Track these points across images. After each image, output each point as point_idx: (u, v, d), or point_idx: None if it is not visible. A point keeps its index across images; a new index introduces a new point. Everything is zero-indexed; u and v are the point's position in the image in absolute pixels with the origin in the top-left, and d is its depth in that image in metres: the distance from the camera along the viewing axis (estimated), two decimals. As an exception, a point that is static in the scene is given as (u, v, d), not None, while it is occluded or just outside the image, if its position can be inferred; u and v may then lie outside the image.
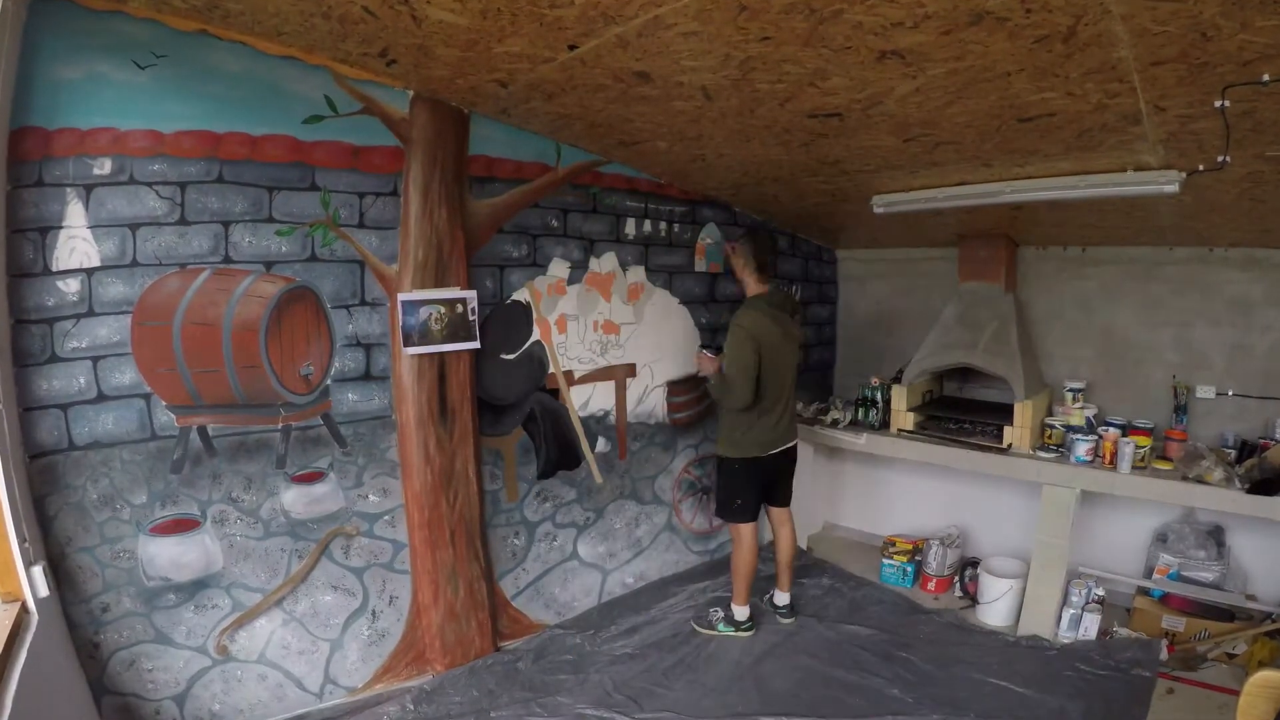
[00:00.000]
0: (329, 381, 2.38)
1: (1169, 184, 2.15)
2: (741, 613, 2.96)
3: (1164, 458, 2.89)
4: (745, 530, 2.91)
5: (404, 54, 2.04)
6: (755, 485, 2.91)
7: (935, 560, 3.45)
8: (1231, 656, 2.70)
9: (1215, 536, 2.94)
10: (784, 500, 3.10)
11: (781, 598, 3.13)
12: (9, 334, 1.83)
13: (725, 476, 2.94)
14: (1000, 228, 3.28)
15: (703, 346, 3.06)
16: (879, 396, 3.60)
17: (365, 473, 2.48)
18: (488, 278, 2.71)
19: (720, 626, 2.97)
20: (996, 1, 1.41)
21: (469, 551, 2.67)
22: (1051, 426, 3.10)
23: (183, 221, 2.06)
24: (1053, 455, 3.02)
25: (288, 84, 2.15)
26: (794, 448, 3.04)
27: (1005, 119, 2.01)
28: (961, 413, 3.50)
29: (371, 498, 2.50)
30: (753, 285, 2.85)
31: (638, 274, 3.22)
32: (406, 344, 2.45)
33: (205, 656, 2.21)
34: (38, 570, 1.75)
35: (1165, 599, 2.91)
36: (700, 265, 3.49)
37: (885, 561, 3.59)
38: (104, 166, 1.92)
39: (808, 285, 4.13)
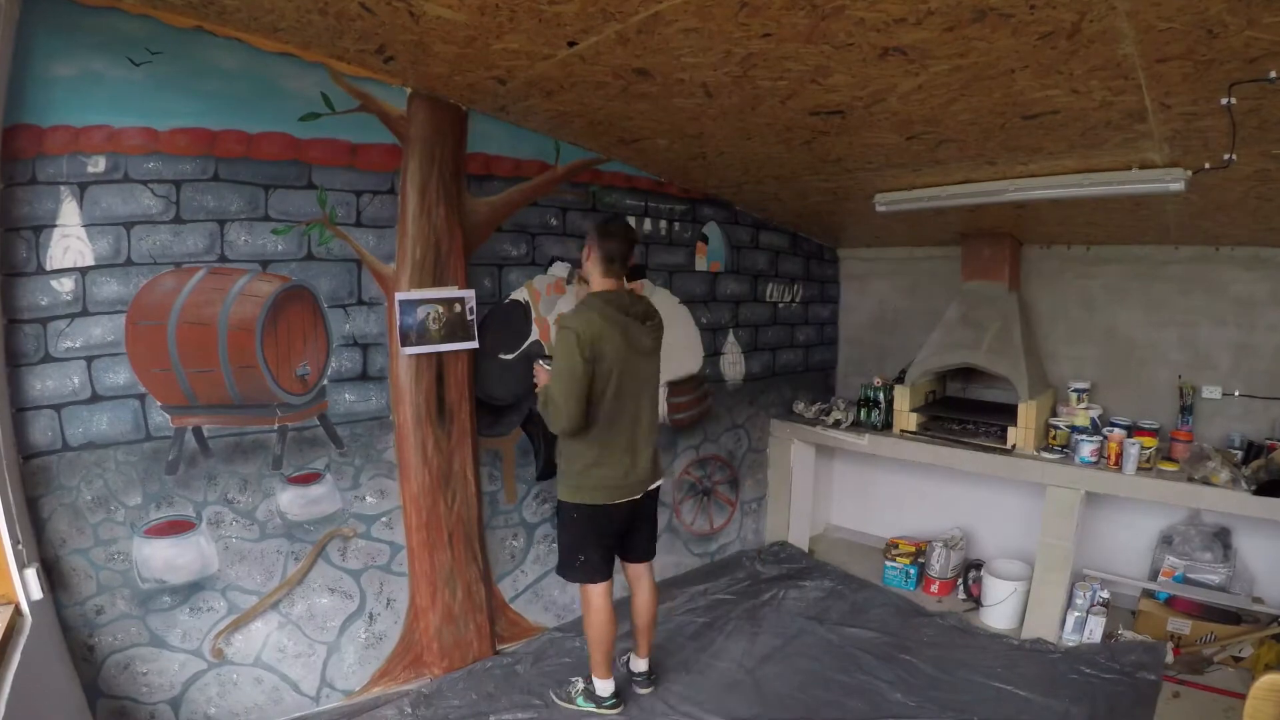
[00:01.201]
0: (325, 382, 2.37)
1: (1174, 182, 2.14)
2: (604, 687, 2.45)
3: (1169, 459, 2.89)
4: (593, 592, 2.37)
5: (401, 50, 2.04)
6: (601, 538, 2.35)
7: (938, 562, 3.45)
8: (1238, 660, 2.70)
9: (1221, 538, 2.93)
10: (642, 554, 2.52)
11: (638, 664, 2.60)
12: (2, 334, 1.83)
13: (563, 526, 2.40)
14: (1004, 226, 3.28)
15: (545, 358, 2.41)
16: (881, 397, 3.60)
17: (362, 474, 2.47)
18: (486, 277, 2.71)
19: (579, 701, 2.48)
20: (1000, -3, 1.41)
21: (467, 553, 2.67)
22: (1056, 427, 3.10)
23: (178, 220, 2.05)
24: (1057, 456, 3.01)
25: (284, 81, 2.15)
26: (655, 490, 2.48)
27: (1009, 116, 2.01)
28: (965, 413, 3.50)
29: (369, 499, 2.50)
30: (596, 281, 2.31)
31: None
32: (404, 344, 2.44)
33: (201, 659, 2.20)
34: (31, 573, 1.75)
35: (1171, 601, 2.91)
36: (701, 264, 3.49)
37: (888, 564, 3.59)
38: (98, 164, 1.92)
39: (809, 284, 4.14)
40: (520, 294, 2.83)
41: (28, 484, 1.89)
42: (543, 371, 2.35)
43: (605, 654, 2.43)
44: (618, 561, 2.47)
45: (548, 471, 3.00)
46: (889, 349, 4.09)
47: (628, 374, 2.25)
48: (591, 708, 2.48)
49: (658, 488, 2.50)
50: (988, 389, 3.65)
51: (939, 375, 3.65)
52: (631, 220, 3.17)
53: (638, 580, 2.54)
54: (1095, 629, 2.88)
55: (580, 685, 2.52)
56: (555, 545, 3.04)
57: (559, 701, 2.52)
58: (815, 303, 4.21)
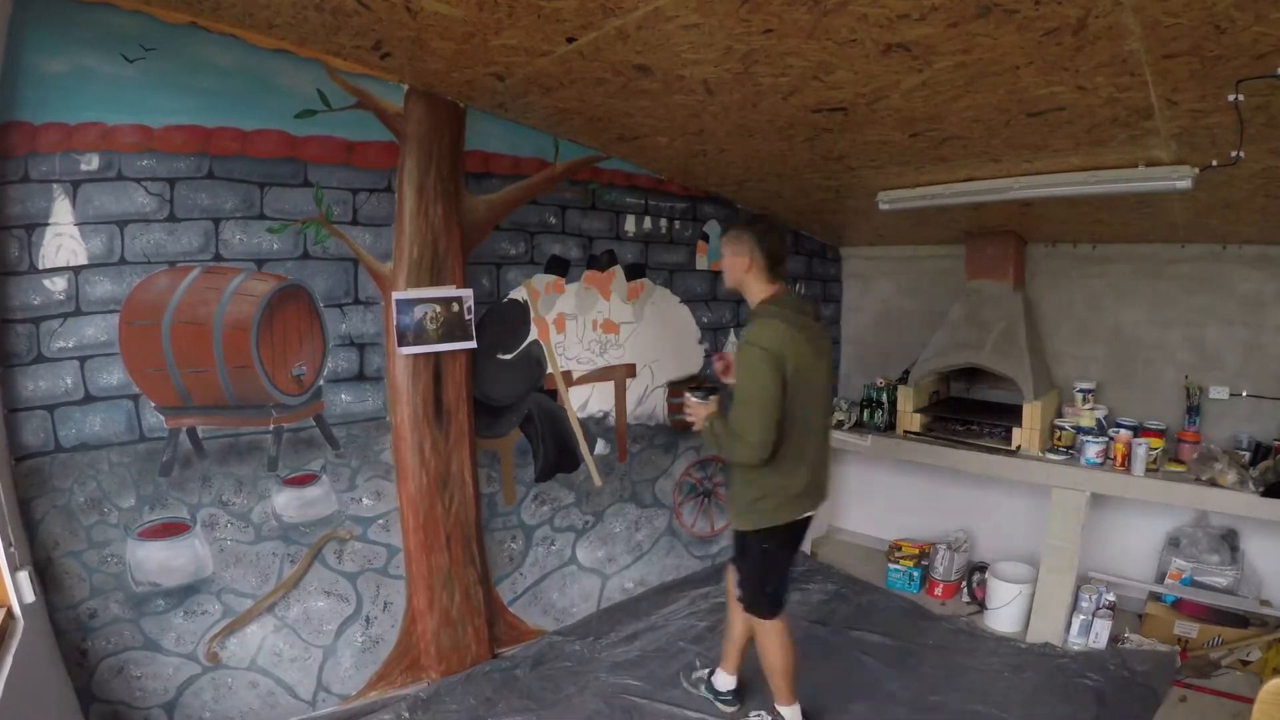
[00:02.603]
0: (322, 382, 2.37)
1: (1181, 180, 2.14)
2: (793, 714, 2.33)
3: (1176, 460, 2.89)
4: (778, 624, 2.23)
5: (398, 47, 2.04)
6: (788, 561, 2.24)
7: (942, 565, 3.44)
8: (1245, 664, 2.69)
9: (1229, 540, 2.93)
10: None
11: (726, 681, 2.52)
12: (-6, 333, 1.83)
13: (751, 558, 2.22)
14: (1008, 224, 3.28)
15: (692, 389, 2.21)
16: (884, 398, 3.60)
17: (359, 475, 2.47)
18: (484, 276, 2.71)
19: None
20: (1005, -7, 1.41)
21: (465, 556, 2.67)
22: (1061, 428, 3.10)
23: (172, 218, 2.05)
24: (1062, 457, 3.01)
25: (279, 78, 2.15)
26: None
27: (1014, 113, 2.01)
28: (969, 414, 3.49)
29: (365, 501, 2.50)
30: (759, 288, 2.14)
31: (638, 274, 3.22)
32: (401, 344, 2.44)
33: (195, 663, 2.20)
34: (23, 575, 1.74)
35: (1178, 605, 2.91)
36: (702, 263, 3.49)
37: (891, 566, 3.59)
38: (91, 162, 1.92)
39: (811, 283, 4.14)
40: (519, 293, 2.83)
41: (20, 486, 1.89)
42: (694, 405, 2.17)
43: (789, 680, 2.29)
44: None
45: (546, 473, 3.00)
46: (892, 349, 4.08)
47: (811, 382, 2.06)
48: None
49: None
50: (992, 389, 3.65)
51: (943, 375, 3.65)
52: (632, 218, 3.17)
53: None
54: (1101, 632, 2.88)
55: (767, 717, 2.39)
56: (554, 547, 3.05)
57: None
58: (817, 302, 4.21)
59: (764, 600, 2.22)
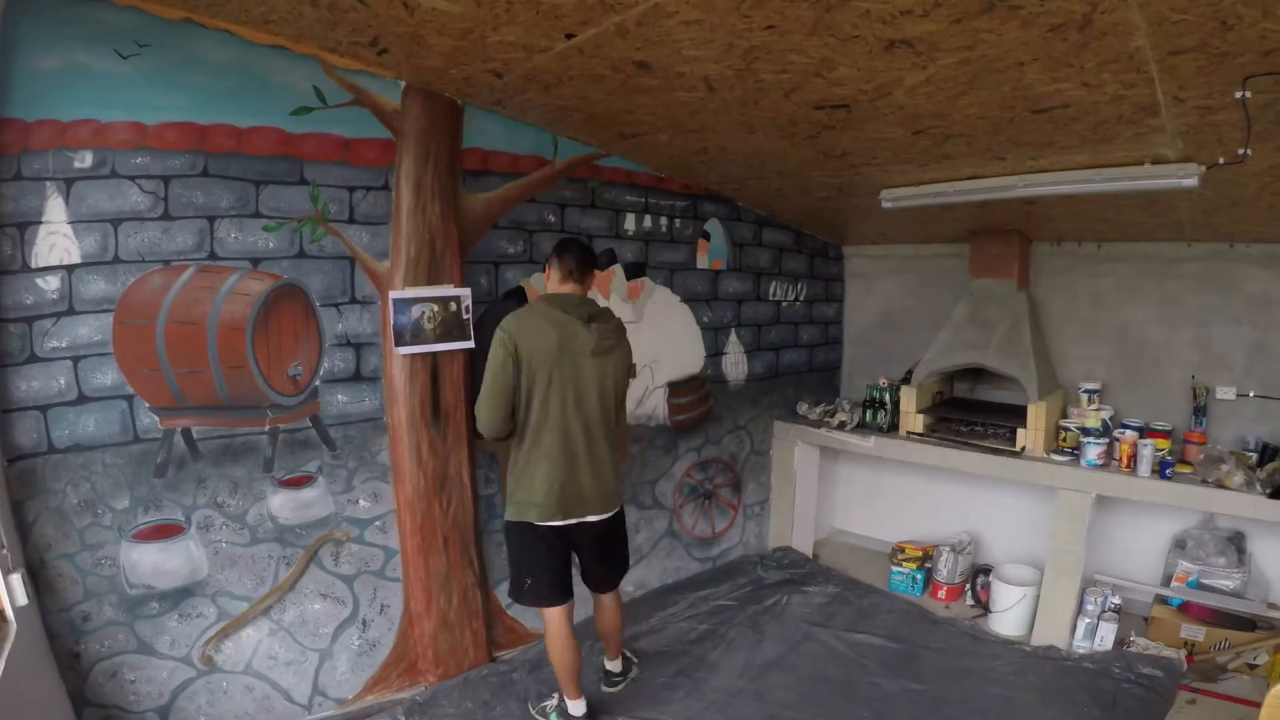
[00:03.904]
0: (318, 382, 2.37)
1: (1187, 178, 2.14)
2: (576, 707, 2.38)
3: (1183, 461, 2.89)
4: (548, 616, 2.30)
5: (395, 43, 2.04)
6: (545, 560, 2.26)
7: (946, 567, 3.45)
8: (1253, 667, 2.70)
9: (1236, 543, 2.93)
10: (604, 584, 2.46)
11: (612, 664, 2.64)
12: (-14, 333, 1.83)
13: (508, 541, 2.35)
14: (1013, 223, 3.28)
15: None
16: (887, 398, 3.60)
17: (355, 477, 2.47)
18: (482, 275, 2.71)
19: (553, 717, 2.42)
20: (1009, -12, 1.41)
21: (463, 558, 2.67)
22: (1066, 429, 3.10)
23: (166, 217, 2.05)
24: (1067, 459, 3.01)
25: (275, 74, 2.15)
26: (610, 520, 2.35)
27: (1018, 110, 2.01)
28: (973, 415, 3.50)
29: (362, 503, 2.50)
30: (550, 285, 2.30)
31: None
32: (398, 343, 2.44)
33: (190, 667, 2.20)
34: (16, 578, 1.75)
35: (1184, 607, 2.91)
36: (702, 262, 3.49)
37: (894, 569, 3.59)
38: (85, 160, 1.92)
39: (813, 283, 4.14)
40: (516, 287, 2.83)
41: (12, 487, 1.89)
42: None
43: (570, 677, 2.35)
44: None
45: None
46: (895, 349, 4.09)
47: (564, 375, 2.15)
48: None
49: (611, 519, 2.35)
50: (996, 390, 3.65)
51: (946, 376, 3.65)
52: (631, 216, 3.17)
53: (599, 605, 2.54)
54: (1107, 636, 2.88)
55: (555, 702, 2.46)
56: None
57: (535, 715, 2.48)
58: (820, 301, 4.21)
59: (521, 591, 2.34)
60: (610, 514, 2.35)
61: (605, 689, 2.64)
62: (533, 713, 2.51)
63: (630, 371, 3.17)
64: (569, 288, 2.26)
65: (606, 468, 2.29)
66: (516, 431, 2.20)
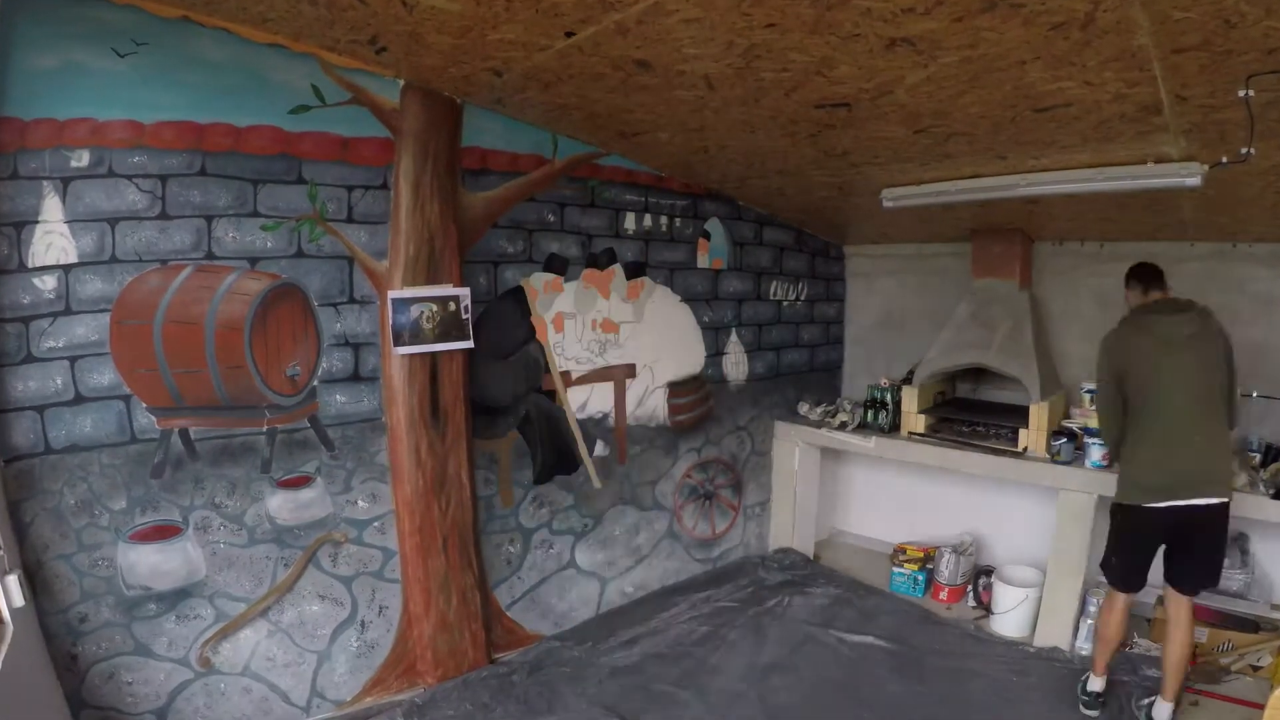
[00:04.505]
0: (316, 382, 2.37)
1: (1191, 176, 2.14)
2: (1094, 682, 2.51)
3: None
4: (1113, 598, 2.46)
5: (394, 41, 2.04)
6: (1135, 545, 2.37)
7: (947, 568, 3.45)
8: (1256, 669, 2.69)
9: (1239, 544, 2.93)
10: (1180, 579, 2.33)
11: (1162, 710, 2.36)
12: (-17, 333, 1.83)
13: (1112, 521, 2.49)
14: (1015, 222, 3.28)
15: None
16: (889, 398, 3.60)
17: (354, 477, 2.47)
18: (482, 274, 2.71)
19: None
20: (1011, -14, 1.41)
21: (462, 559, 2.67)
22: (1069, 429, 3.09)
23: (164, 216, 2.06)
24: (1069, 459, 3.01)
25: (273, 73, 2.15)
26: (1214, 507, 2.23)
27: (1020, 109, 2.01)
28: (975, 415, 3.50)
29: (360, 503, 2.50)
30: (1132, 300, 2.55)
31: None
32: (397, 343, 2.45)
33: (187, 669, 2.20)
34: (13, 579, 1.75)
35: (1187, 609, 2.91)
36: (703, 261, 3.49)
37: (895, 570, 3.59)
38: (82, 159, 1.92)
39: (814, 282, 4.14)
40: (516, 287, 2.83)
41: (9, 488, 1.89)
42: None
43: (1104, 653, 2.48)
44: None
45: (545, 475, 3.00)
46: (896, 349, 4.09)
47: (1156, 365, 2.32)
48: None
49: (1218, 505, 2.24)
50: (998, 390, 3.65)
51: (948, 376, 3.65)
52: (631, 215, 3.17)
53: (1172, 613, 2.36)
54: (1109, 637, 2.88)
55: (1147, 701, 2.42)
56: (553, 550, 3.05)
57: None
58: (821, 301, 4.21)
59: (1107, 568, 2.48)
60: (1212, 499, 2.24)
61: (1086, 712, 2.51)
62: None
63: (629, 372, 3.18)
64: (1154, 296, 2.48)
65: (1209, 450, 2.28)
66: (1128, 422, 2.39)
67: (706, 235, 3.49)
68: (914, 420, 3.48)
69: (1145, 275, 2.53)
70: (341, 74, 2.26)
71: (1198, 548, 2.30)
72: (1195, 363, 2.31)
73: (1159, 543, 2.35)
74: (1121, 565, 2.42)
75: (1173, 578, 2.36)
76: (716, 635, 3.07)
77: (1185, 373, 2.30)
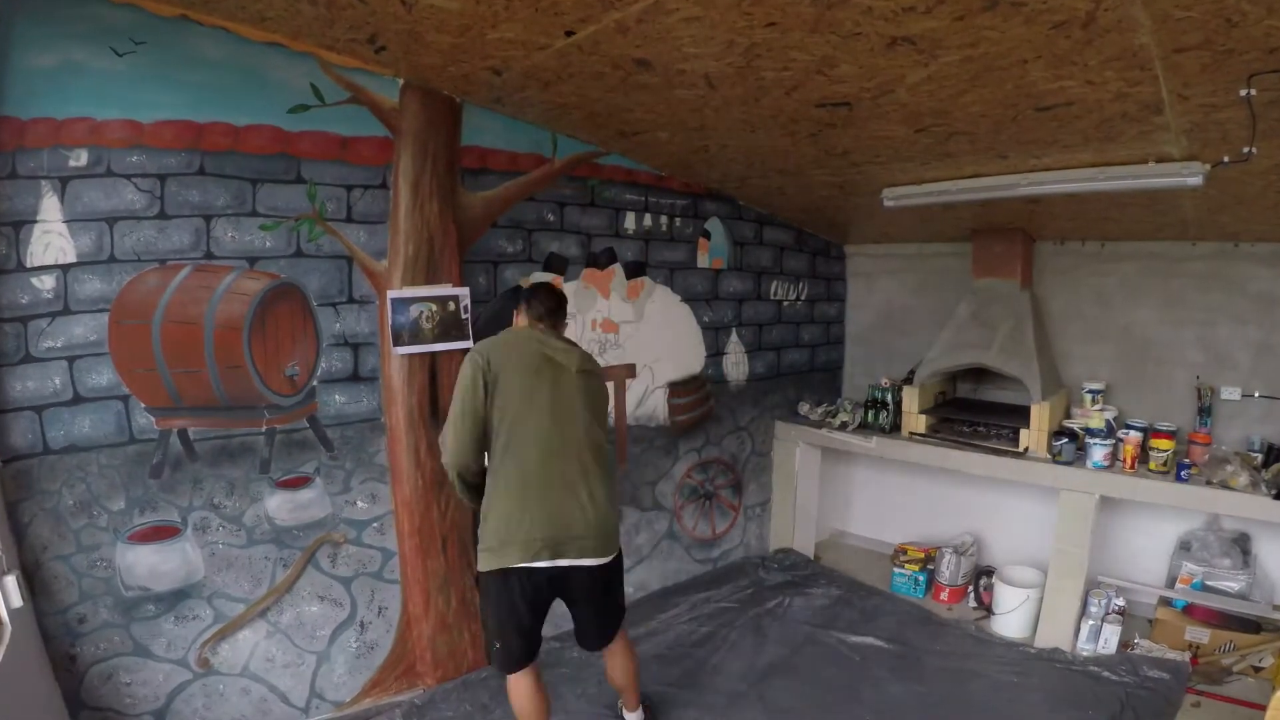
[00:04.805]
0: (315, 382, 2.37)
1: (1192, 176, 2.14)
2: None
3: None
4: (513, 684, 2.00)
5: (393, 40, 2.04)
6: (512, 616, 1.92)
7: (948, 569, 3.45)
8: (1258, 670, 2.70)
9: (1241, 544, 2.93)
10: (594, 642, 2.15)
11: (633, 716, 2.37)
12: (-19, 333, 1.83)
13: (480, 595, 2.01)
14: (1016, 222, 3.28)
15: None
16: (889, 398, 3.60)
17: (353, 478, 2.47)
18: (481, 274, 2.71)
19: None
20: (1012, -15, 1.41)
21: (461, 560, 2.67)
22: (1070, 429, 3.10)
23: (162, 215, 2.05)
24: (1070, 459, 3.01)
25: (272, 72, 2.15)
26: (604, 567, 1.99)
27: (1021, 108, 2.01)
28: (976, 415, 3.50)
29: (360, 504, 2.50)
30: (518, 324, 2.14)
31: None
32: (396, 343, 2.44)
33: (186, 669, 2.20)
34: (11, 580, 1.75)
35: (1189, 610, 2.91)
36: (703, 261, 3.49)
37: (896, 570, 3.59)
38: (80, 158, 1.92)
39: (814, 282, 4.14)
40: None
41: (7, 488, 1.89)
42: None
43: None
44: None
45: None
46: (897, 349, 4.09)
47: (537, 391, 1.93)
48: None
49: (606, 566, 1.99)
50: (999, 390, 3.65)
51: (949, 376, 3.65)
52: (631, 215, 3.17)
53: (609, 655, 2.22)
54: (1111, 638, 2.88)
55: None
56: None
57: None
58: (821, 301, 4.21)
59: (491, 653, 2.02)
60: (601, 561, 1.98)
61: None
62: None
63: (629, 372, 3.14)
64: (539, 327, 2.08)
65: (593, 504, 1.95)
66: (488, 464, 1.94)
67: (707, 235, 3.49)
68: (915, 420, 3.48)
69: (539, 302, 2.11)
70: (340, 73, 2.26)
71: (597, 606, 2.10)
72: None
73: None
74: (507, 645, 1.98)
75: (585, 638, 2.16)
76: (717, 636, 3.07)
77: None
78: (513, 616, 1.94)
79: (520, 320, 2.13)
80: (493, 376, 1.92)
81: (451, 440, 1.94)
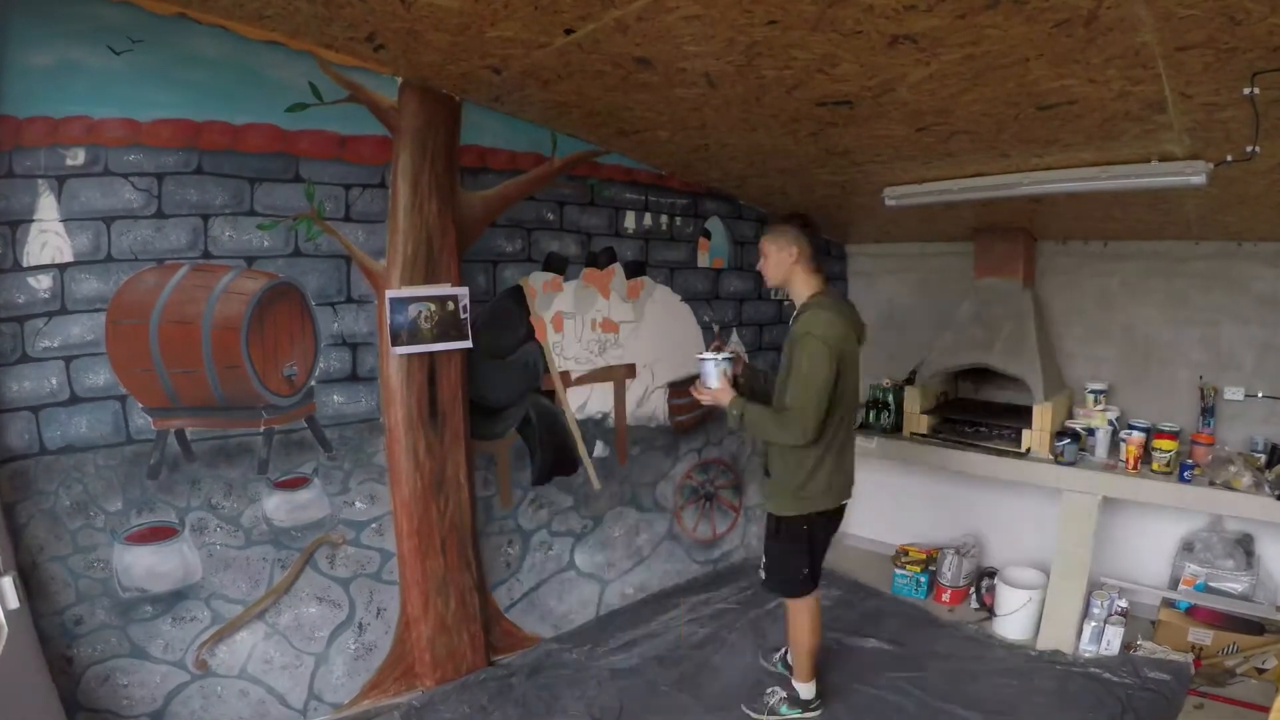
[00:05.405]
0: (313, 382, 2.37)
1: (1195, 175, 2.14)
2: (808, 690, 2.55)
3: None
4: (809, 601, 2.47)
5: (392, 39, 2.04)
6: (824, 546, 2.45)
7: (950, 570, 3.44)
8: (1261, 671, 2.69)
9: (1244, 545, 2.93)
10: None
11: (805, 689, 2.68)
12: (-23, 333, 1.83)
13: (787, 541, 2.40)
14: (1018, 221, 3.28)
15: (714, 349, 2.32)
16: (891, 398, 3.60)
17: (351, 478, 2.47)
18: (480, 274, 2.71)
19: (784, 709, 2.54)
20: (1014, -17, 1.41)
21: (460, 561, 2.67)
22: (1072, 430, 3.09)
23: (160, 215, 2.05)
24: (1073, 460, 3.01)
25: (271, 70, 2.15)
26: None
27: (1023, 107, 2.01)
28: (977, 415, 3.49)
29: (358, 505, 2.50)
30: (807, 280, 2.32)
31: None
32: (395, 343, 2.44)
33: (184, 671, 2.20)
34: (7, 581, 1.74)
35: (1192, 611, 2.91)
36: (703, 260, 3.49)
37: (897, 571, 3.59)
38: (77, 157, 1.92)
39: (816, 282, 4.13)
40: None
41: (4, 489, 1.89)
42: (721, 392, 2.27)
43: (813, 658, 2.54)
44: None
45: (544, 476, 3.00)
46: (898, 349, 4.08)
47: (855, 374, 2.30)
48: (798, 713, 2.55)
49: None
50: (1001, 390, 3.65)
51: (950, 376, 3.65)
52: (631, 214, 3.17)
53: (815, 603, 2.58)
54: (1113, 639, 2.88)
55: (780, 694, 2.58)
56: (552, 552, 3.05)
57: (759, 716, 2.54)
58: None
59: (798, 584, 2.43)
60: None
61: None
62: (755, 716, 2.54)
63: (629, 372, 3.17)
64: (820, 279, 2.34)
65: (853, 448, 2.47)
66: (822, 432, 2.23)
67: (707, 234, 3.49)
68: (916, 421, 3.48)
69: (817, 233, 2.33)
70: (339, 71, 2.26)
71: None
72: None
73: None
74: (813, 571, 2.44)
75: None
76: (717, 637, 3.07)
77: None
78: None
79: (801, 262, 2.29)
80: (841, 365, 2.19)
81: (815, 419, 2.16)
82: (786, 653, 2.74)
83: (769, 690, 2.61)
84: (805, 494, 2.32)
